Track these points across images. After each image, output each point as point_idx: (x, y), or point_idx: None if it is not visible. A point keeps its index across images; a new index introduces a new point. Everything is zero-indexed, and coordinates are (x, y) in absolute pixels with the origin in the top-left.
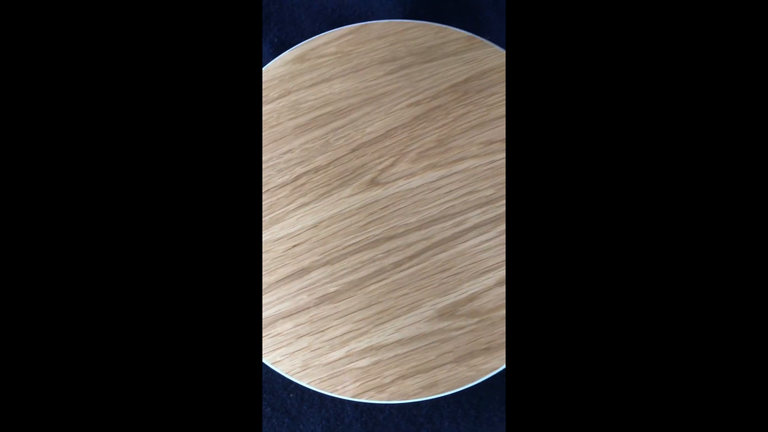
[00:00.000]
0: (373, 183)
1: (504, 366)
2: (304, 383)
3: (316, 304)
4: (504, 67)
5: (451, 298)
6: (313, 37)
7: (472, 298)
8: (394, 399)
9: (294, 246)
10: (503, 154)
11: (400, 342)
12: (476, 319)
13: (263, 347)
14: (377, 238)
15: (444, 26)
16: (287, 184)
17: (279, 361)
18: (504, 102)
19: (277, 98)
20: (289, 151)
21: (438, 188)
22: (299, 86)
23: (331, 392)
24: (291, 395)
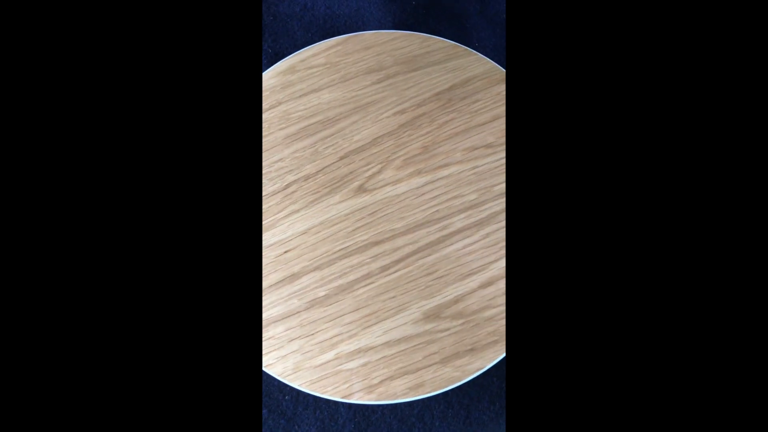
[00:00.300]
0: (361, 190)
1: (487, 366)
2: (295, 385)
3: (307, 308)
4: (486, 75)
5: (437, 300)
6: (303, 49)
7: (456, 301)
8: (382, 399)
9: (285, 252)
10: (486, 160)
11: (387, 344)
12: (461, 321)
13: None
14: (365, 243)
15: (428, 36)
16: (278, 192)
17: (272, 363)
18: (486, 108)
19: (268, 109)
20: (280, 160)
21: (423, 194)
22: (289, 97)
23: (322, 393)
24: (287, 397)
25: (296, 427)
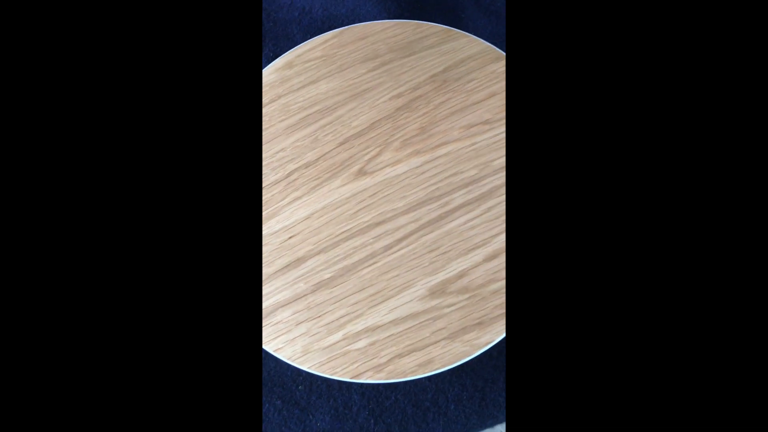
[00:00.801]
0: (361, 173)
1: (496, 340)
2: (304, 368)
3: (313, 291)
4: (480, 55)
5: (441, 276)
6: (300, 44)
7: (461, 275)
8: (392, 378)
9: (290, 238)
10: (484, 136)
11: (394, 322)
12: (467, 296)
13: (265, 336)
14: (367, 224)
15: (421, 22)
16: (281, 181)
17: (280, 348)
18: (481, 87)
19: (268, 103)
20: (282, 150)
21: (423, 173)
22: (288, 90)
23: (331, 375)
24: (300, 387)
25: (310, 416)
